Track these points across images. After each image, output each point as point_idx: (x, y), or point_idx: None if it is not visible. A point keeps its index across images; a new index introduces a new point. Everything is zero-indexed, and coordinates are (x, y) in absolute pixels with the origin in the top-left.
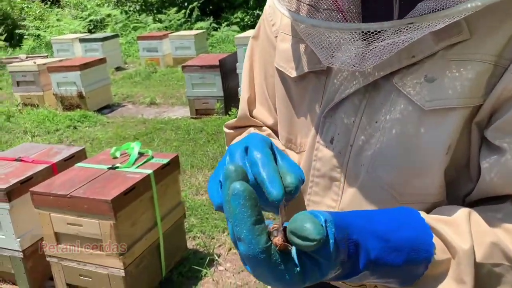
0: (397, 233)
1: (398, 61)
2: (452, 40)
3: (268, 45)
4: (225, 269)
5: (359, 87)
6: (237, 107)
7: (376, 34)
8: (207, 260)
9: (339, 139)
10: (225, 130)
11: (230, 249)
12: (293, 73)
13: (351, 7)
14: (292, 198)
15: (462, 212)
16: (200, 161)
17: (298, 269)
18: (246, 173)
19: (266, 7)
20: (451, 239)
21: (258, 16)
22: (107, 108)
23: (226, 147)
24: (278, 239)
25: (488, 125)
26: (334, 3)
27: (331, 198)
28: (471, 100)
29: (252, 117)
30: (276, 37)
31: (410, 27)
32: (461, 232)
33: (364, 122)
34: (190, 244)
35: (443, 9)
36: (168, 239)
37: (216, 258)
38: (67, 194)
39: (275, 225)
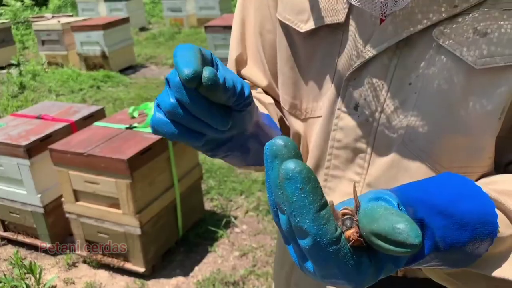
0: (459, 205)
1: (438, 11)
2: None
3: None
4: (241, 231)
5: (390, 45)
6: None
7: None
8: (224, 222)
9: (366, 105)
10: None
11: (247, 212)
12: (303, 27)
13: None
14: (245, 101)
15: None
16: None
17: (371, 263)
18: (297, 147)
19: None
20: None
21: None
22: (130, 68)
23: None
24: (353, 233)
25: None
26: None
27: (355, 172)
28: None
29: (240, 77)
30: None
31: None
32: None
33: (395, 84)
34: (208, 206)
35: None
36: (185, 200)
37: (233, 220)
38: (84, 153)
39: (346, 210)
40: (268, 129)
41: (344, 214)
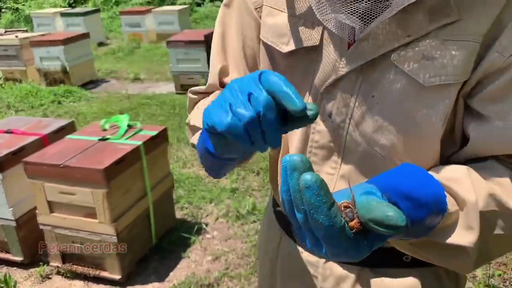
0: (419, 190)
1: (395, 40)
2: (444, 21)
3: (247, 16)
4: (213, 236)
5: (357, 65)
6: None
7: None
8: (195, 229)
9: (338, 113)
10: (189, 95)
11: (217, 218)
12: (284, 48)
13: None
14: (313, 121)
15: (462, 170)
16: (186, 136)
17: (366, 242)
18: (310, 162)
19: None
20: (461, 193)
21: None
22: (91, 83)
23: (188, 114)
24: (355, 223)
25: (471, 95)
26: None
27: (330, 167)
28: (463, 76)
29: (223, 87)
30: (257, 8)
31: None
32: (466, 187)
33: (361, 97)
34: (178, 214)
35: None
36: (157, 208)
37: (204, 226)
38: (60, 164)
39: (345, 203)
40: None
41: (345, 207)
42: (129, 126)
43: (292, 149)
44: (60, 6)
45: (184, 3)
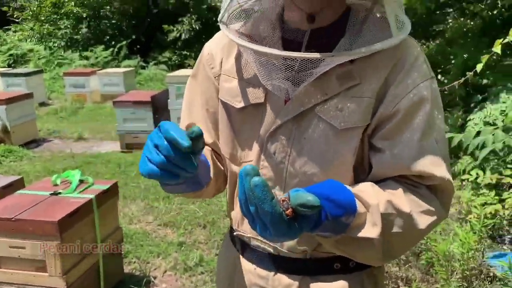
0: (338, 195)
1: (316, 97)
2: (349, 84)
3: (209, 84)
4: None
5: (291, 116)
6: None
7: (311, 62)
8: (144, 282)
9: (279, 152)
10: None
11: (166, 271)
12: (237, 105)
13: (294, 37)
14: (199, 141)
15: (368, 185)
16: (133, 193)
17: (297, 225)
18: (258, 170)
19: (204, 54)
20: (367, 199)
21: (186, 56)
22: (33, 142)
23: None
24: (289, 211)
25: (372, 135)
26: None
27: (276, 194)
28: (364, 122)
29: None
30: (215, 77)
31: (333, 60)
32: (371, 196)
33: (296, 139)
34: (127, 269)
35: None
36: (107, 261)
37: (152, 279)
38: (12, 218)
39: (283, 198)
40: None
41: (283, 201)
42: (81, 181)
43: None
44: None
45: (129, 66)
